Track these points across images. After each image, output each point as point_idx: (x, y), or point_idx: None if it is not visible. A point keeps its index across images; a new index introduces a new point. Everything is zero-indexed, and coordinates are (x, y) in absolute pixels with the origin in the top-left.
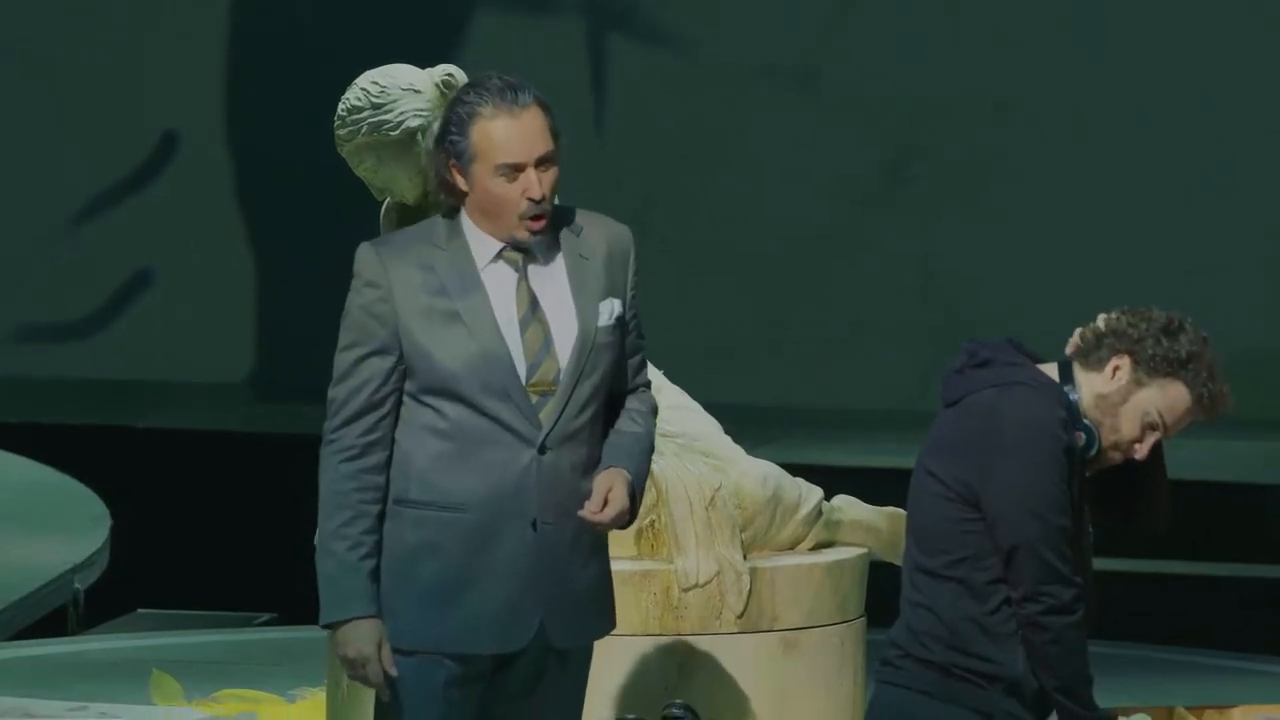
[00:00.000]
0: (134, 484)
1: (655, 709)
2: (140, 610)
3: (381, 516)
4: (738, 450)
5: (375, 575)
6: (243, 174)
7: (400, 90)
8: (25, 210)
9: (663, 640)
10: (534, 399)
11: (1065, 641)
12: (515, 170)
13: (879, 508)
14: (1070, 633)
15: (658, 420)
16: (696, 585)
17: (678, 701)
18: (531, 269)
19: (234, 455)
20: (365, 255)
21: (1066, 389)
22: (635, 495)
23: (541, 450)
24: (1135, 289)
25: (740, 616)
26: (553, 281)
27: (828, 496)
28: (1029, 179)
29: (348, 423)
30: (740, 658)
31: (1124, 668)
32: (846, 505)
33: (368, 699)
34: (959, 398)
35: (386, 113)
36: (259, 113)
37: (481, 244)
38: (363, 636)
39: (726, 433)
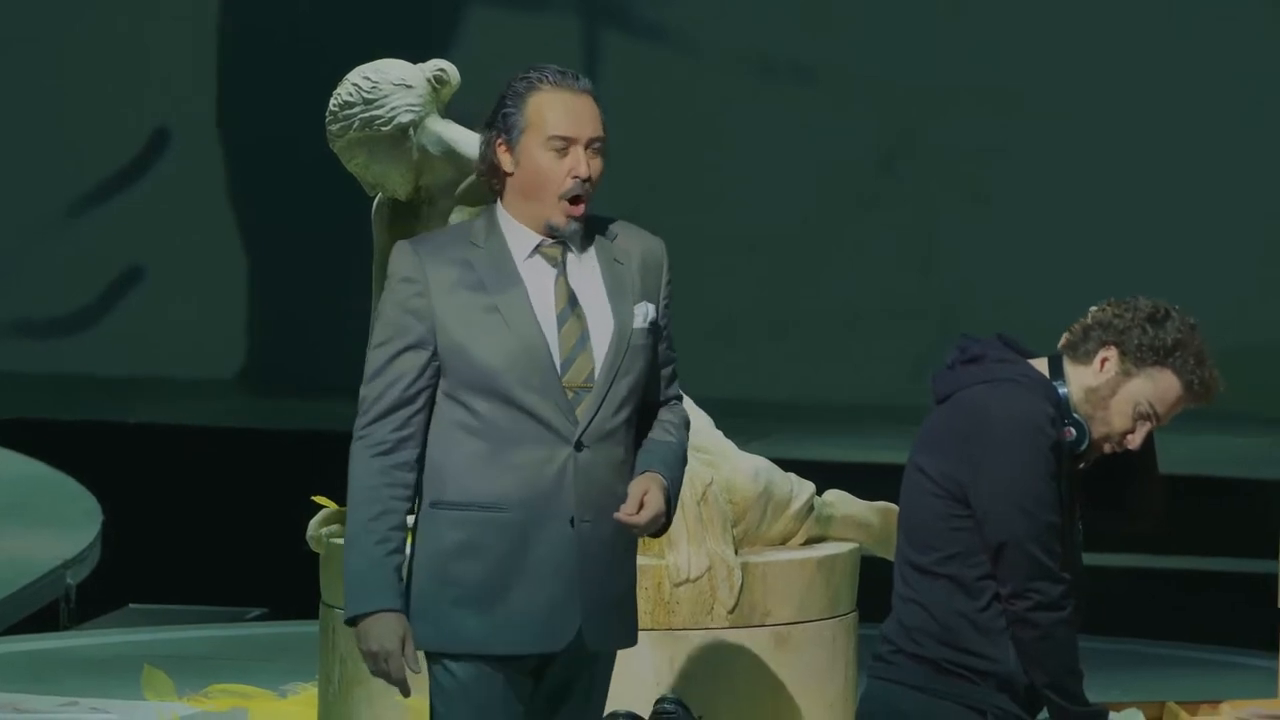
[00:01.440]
0: (126, 479)
1: (647, 704)
2: (132, 605)
3: (410, 514)
4: (729, 445)
5: (400, 572)
6: (234, 170)
7: (392, 85)
8: (18, 206)
9: (654, 635)
10: (570, 396)
11: (1054, 637)
12: (566, 144)
13: (871, 503)
14: (1059, 629)
15: None
16: (688, 580)
17: (669, 696)
18: (569, 265)
19: (226, 450)
20: (402, 252)
21: (1056, 384)
22: (670, 501)
23: (578, 447)
24: (1130, 282)
25: (732, 612)
26: (589, 281)
27: (819, 491)
28: (1027, 171)
29: (380, 418)
30: (732, 653)
31: (1115, 663)
32: (838, 500)
33: (360, 694)
34: (949, 394)
35: (378, 108)
36: (251, 108)
37: (519, 238)
38: (386, 630)
39: (718, 428)
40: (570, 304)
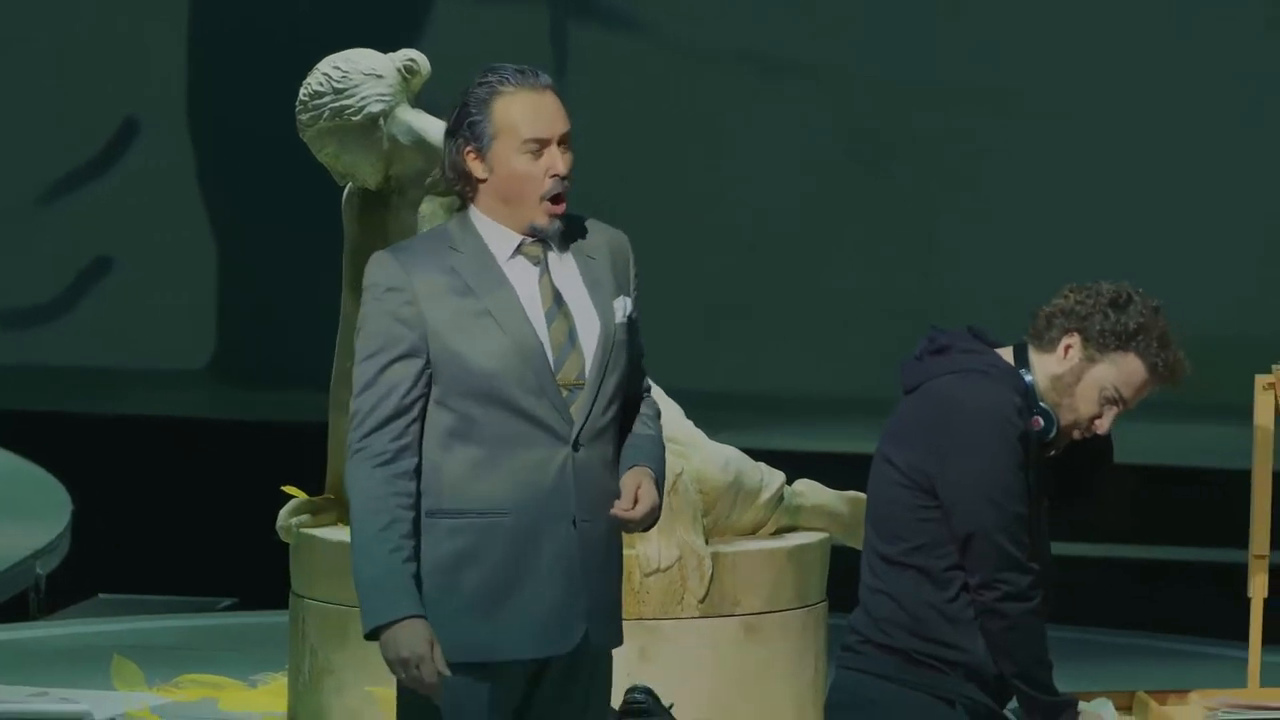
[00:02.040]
0: (95, 469)
1: (617, 693)
2: (102, 595)
3: (417, 522)
4: (699, 435)
5: (417, 580)
6: (204, 160)
7: (362, 75)
8: None
9: (625, 625)
10: (564, 394)
11: (1022, 628)
12: (540, 145)
13: (841, 492)
14: (1027, 619)
15: None
16: (658, 570)
17: (640, 685)
18: (551, 264)
19: (196, 441)
20: (383, 262)
21: (1022, 373)
22: (659, 494)
23: (575, 447)
24: (1099, 273)
25: (702, 601)
26: (570, 278)
27: (789, 481)
28: (1010, 164)
29: (377, 429)
30: (702, 642)
31: (1084, 653)
32: (808, 490)
33: (330, 684)
34: (917, 384)
35: (348, 98)
36: (221, 99)
37: (499, 239)
38: (415, 636)
39: (689, 418)
40: (556, 302)
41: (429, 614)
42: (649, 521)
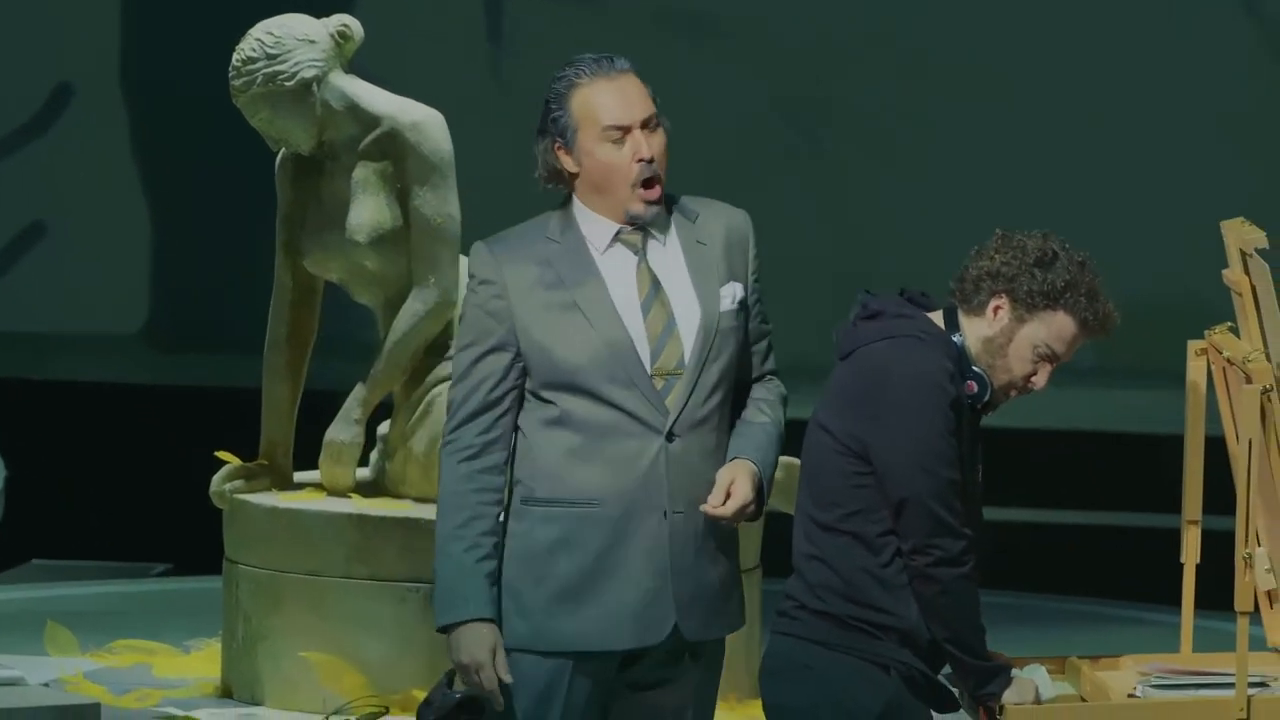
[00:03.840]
0: (29, 435)
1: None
2: (35, 561)
3: (500, 518)
4: None
5: (493, 578)
6: (137, 125)
7: (295, 41)
8: None
9: None
10: (659, 385)
11: (954, 593)
12: (621, 132)
13: None
14: (960, 584)
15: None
16: None
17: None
18: (650, 251)
19: (129, 406)
20: (480, 254)
21: (954, 337)
22: (763, 487)
23: (669, 438)
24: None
25: None
26: (672, 265)
27: None
28: (938, 130)
29: (465, 422)
30: None
31: (1017, 617)
32: None
33: (263, 649)
34: (851, 351)
35: (281, 63)
36: (154, 64)
37: (597, 229)
38: (477, 641)
39: None
40: (654, 289)
41: (517, 601)
42: (741, 518)
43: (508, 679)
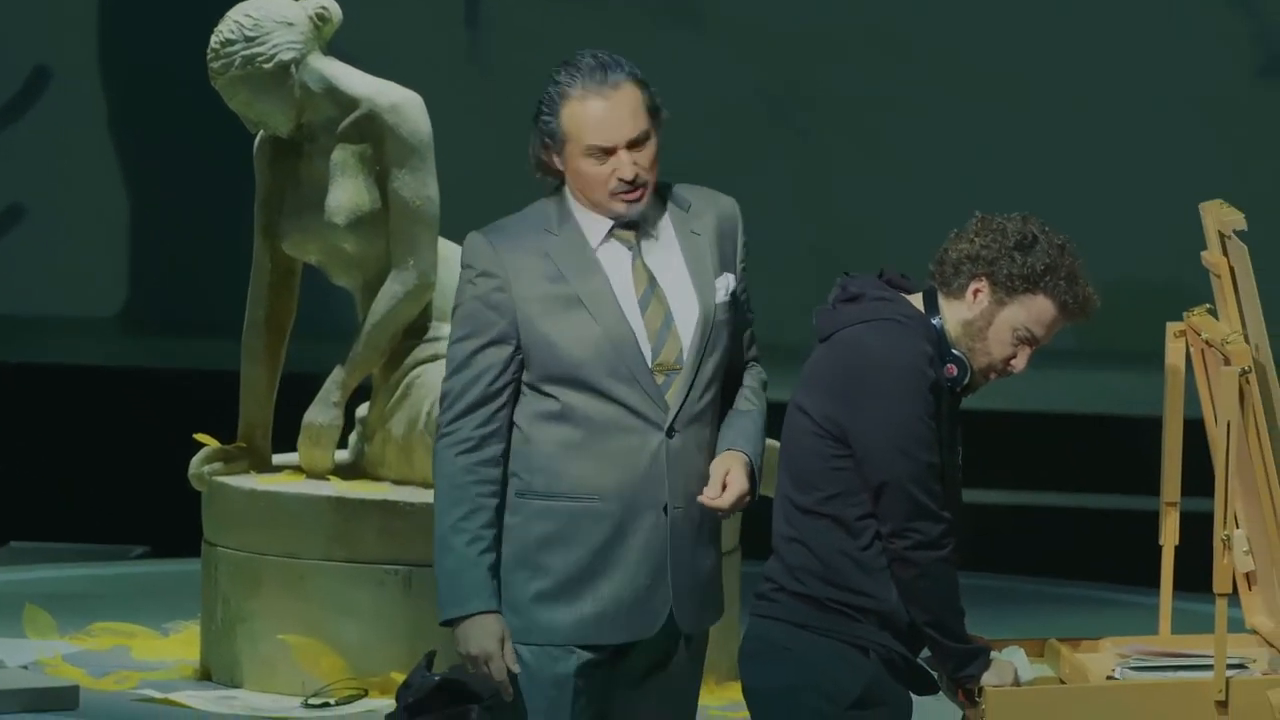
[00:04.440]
0: (7, 417)
1: None
2: (13, 543)
3: (500, 510)
4: None
5: (495, 570)
6: (116, 108)
7: (273, 23)
8: None
9: None
10: (659, 380)
11: (934, 576)
12: (605, 153)
13: None
14: (939, 567)
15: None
16: None
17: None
18: (645, 247)
19: (108, 389)
20: (477, 245)
21: (934, 320)
22: (755, 475)
23: (669, 433)
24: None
25: None
26: (667, 259)
27: None
28: (921, 115)
29: (464, 414)
30: None
31: (997, 600)
32: None
33: (242, 632)
34: (830, 333)
35: (259, 45)
36: (132, 46)
37: (592, 224)
38: (485, 633)
39: None
40: (650, 286)
41: (513, 594)
42: (738, 507)
43: (516, 669)
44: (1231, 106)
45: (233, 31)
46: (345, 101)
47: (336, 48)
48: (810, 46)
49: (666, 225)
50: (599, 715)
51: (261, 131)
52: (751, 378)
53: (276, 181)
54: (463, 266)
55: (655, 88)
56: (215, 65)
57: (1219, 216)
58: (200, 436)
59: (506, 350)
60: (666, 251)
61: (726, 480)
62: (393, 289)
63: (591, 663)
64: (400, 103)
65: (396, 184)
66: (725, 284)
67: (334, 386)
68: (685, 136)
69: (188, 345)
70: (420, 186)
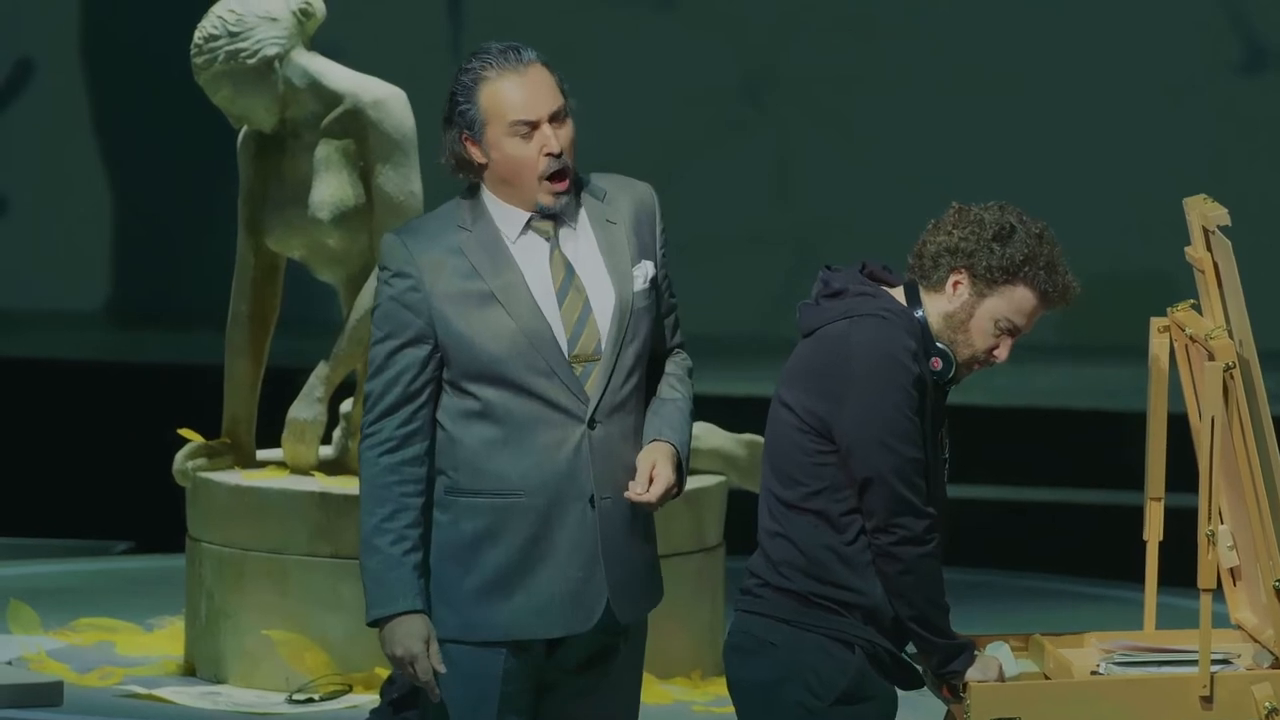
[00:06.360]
0: None
1: None
2: None
3: (425, 509)
4: None
5: (421, 569)
6: (99, 102)
7: (257, 18)
8: None
9: None
10: (578, 370)
11: (918, 571)
12: (530, 127)
13: (738, 435)
14: (923, 563)
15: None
16: None
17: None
18: (563, 236)
19: (91, 383)
20: (391, 246)
21: (916, 314)
22: (682, 465)
23: (591, 425)
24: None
25: None
26: (584, 249)
27: None
28: (898, 105)
29: (385, 415)
30: None
31: (981, 595)
32: (705, 433)
33: (226, 627)
34: (814, 329)
35: (243, 41)
36: (115, 40)
37: (507, 218)
38: (410, 633)
39: None
40: (568, 276)
41: (448, 592)
42: (666, 500)
43: (442, 669)
44: (1216, 101)
45: (216, 27)
46: (329, 97)
47: (320, 43)
48: (786, 32)
49: (582, 216)
50: (534, 710)
51: (245, 127)
52: (676, 365)
53: (260, 177)
54: (379, 269)
55: (638, 75)
56: (199, 60)
57: (1203, 211)
58: (184, 432)
59: (424, 350)
60: (583, 241)
61: (653, 474)
62: (376, 285)
63: (526, 658)
64: (384, 98)
65: (380, 179)
66: (644, 271)
67: (318, 382)
68: (663, 120)
69: (171, 340)
70: (404, 182)
